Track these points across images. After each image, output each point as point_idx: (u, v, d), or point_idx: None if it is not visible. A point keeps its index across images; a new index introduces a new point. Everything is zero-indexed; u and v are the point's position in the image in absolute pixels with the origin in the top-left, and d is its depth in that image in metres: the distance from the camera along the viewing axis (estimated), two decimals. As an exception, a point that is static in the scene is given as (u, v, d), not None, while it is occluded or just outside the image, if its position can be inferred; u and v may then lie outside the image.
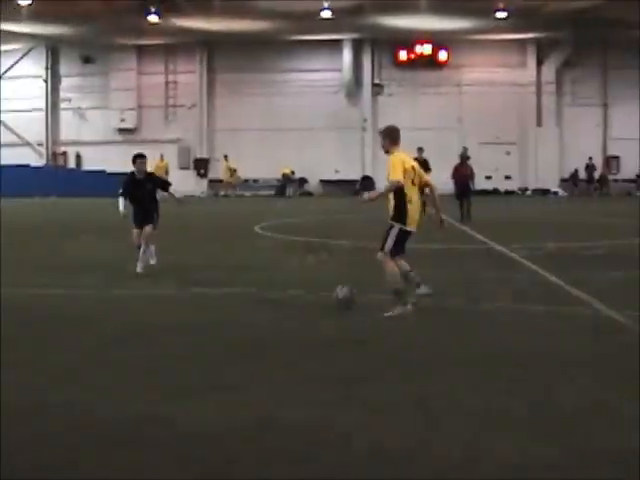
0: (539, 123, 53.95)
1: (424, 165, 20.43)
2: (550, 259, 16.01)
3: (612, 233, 22.50)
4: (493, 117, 52.49)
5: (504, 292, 11.97)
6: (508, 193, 52.34)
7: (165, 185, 15.37)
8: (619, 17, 43.83)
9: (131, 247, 14.73)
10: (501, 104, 52.85)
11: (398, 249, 10.36)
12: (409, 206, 10.31)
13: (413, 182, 10.46)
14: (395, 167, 10.34)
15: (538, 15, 43.66)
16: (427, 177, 11.10)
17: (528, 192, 52.78)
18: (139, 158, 14.57)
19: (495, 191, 51.66)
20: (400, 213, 10.29)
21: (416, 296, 10.62)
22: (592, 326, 9.52)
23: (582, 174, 52.87)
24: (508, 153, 53.45)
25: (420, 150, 28.27)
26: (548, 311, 10.49)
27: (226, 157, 50.67)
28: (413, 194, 10.42)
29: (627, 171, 54.07)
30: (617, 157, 54.13)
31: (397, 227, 10.27)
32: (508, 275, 13.94)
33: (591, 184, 52.50)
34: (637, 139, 52.14)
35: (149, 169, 15.92)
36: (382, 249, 10.30)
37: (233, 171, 49.85)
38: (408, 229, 10.35)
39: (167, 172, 43.02)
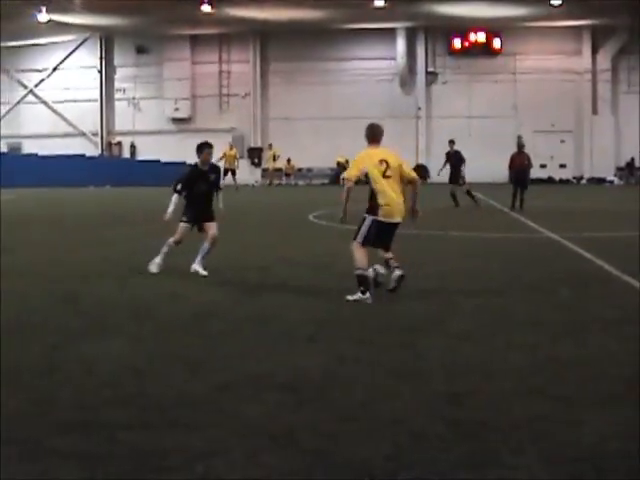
0: (594, 111, 53.51)
1: (419, 170, 20.96)
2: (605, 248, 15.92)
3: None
4: (548, 105, 52.20)
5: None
6: (563, 182, 51.98)
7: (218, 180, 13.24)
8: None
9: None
10: (556, 92, 52.54)
11: (370, 239, 10.65)
12: (380, 199, 10.61)
13: (385, 175, 10.68)
14: (352, 165, 11.06)
15: (593, 2, 43.19)
16: (412, 173, 11.19)
17: (583, 181, 52.38)
18: (207, 147, 12.71)
19: (550, 180, 51.33)
20: (370, 205, 10.71)
21: (394, 281, 10.81)
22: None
23: (638, 162, 52.33)
24: (563, 141, 53.07)
25: (451, 143, 28.46)
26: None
27: (270, 145, 50.85)
28: (386, 187, 10.64)
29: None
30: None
31: (369, 218, 10.64)
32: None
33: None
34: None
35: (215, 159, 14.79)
36: (355, 238, 10.67)
37: (278, 158, 49.93)
38: (382, 220, 10.63)
39: (237, 160, 43.37)
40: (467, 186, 28.87)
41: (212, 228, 12.60)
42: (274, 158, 49.84)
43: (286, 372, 6.92)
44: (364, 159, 10.88)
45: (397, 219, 10.76)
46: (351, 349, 7.80)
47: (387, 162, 10.80)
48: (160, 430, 5.35)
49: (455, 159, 29.29)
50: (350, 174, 10.72)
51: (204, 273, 12.42)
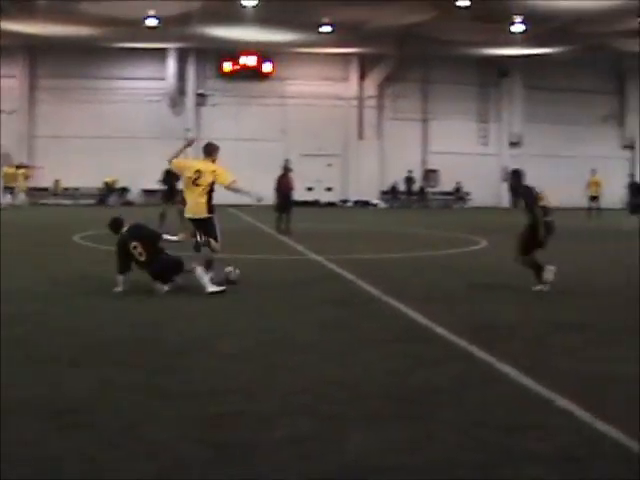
0: (361, 136, 54.90)
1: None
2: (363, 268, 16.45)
3: (418, 243, 23.20)
4: (316, 129, 53.21)
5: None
6: (329, 204, 53.10)
7: None
8: (439, 35, 45.19)
9: None
10: (324, 117, 53.65)
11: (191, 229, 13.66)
12: (188, 199, 13.64)
13: (195, 183, 13.48)
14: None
15: (361, 31, 44.51)
16: (219, 178, 13.56)
17: (349, 204, 53.67)
18: None
19: (316, 202, 52.32)
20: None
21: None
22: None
23: (402, 187, 54.14)
24: (330, 165, 54.23)
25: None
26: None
27: (18, 166, 48.59)
28: (188, 192, 13.63)
29: (445, 184, 55.78)
30: (436, 170, 55.71)
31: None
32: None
33: (411, 196, 53.83)
34: (455, 153, 53.88)
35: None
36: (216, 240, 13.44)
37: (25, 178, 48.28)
38: (187, 216, 13.73)
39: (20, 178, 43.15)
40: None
41: None
42: (22, 177, 47.71)
43: (51, 395, 6.87)
44: (184, 168, 13.89)
45: (192, 215, 13.55)
46: (115, 372, 7.80)
47: (200, 171, 13.47)
48: None
49: (169, 177, 28.16)
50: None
51: None
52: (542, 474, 5.41)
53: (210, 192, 13.48)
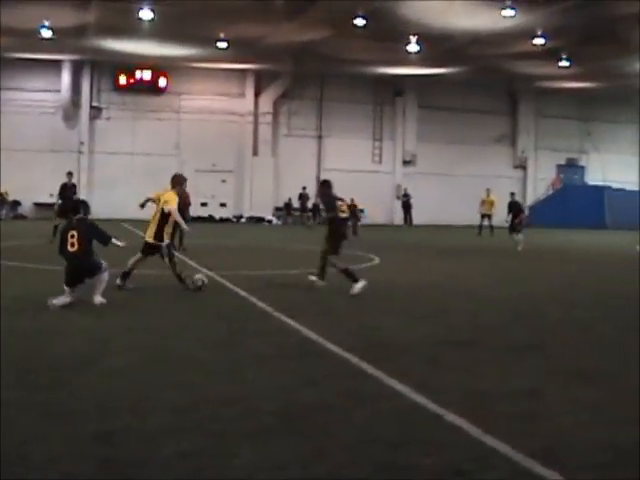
0: (255, 153, 54.93)
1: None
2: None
3: (311, 260, 23.25)
4: (211, 145, 53.12)
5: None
6: (223, 220, 52.96)
7: None
8: (335, 53, 45.55)
9: None
10: (219, 133, 53.60)
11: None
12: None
13: (156, 211, 15.43)
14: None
15: (258, 47, 44.56)
16: (166, 205, 15.32)
17: (243, 220, 53.62)
18: None
19: (211, 218, 52.16)
20: None
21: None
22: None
23: (296, 203, 54.25)
24: (224, 181, 54.11)
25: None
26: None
27: None
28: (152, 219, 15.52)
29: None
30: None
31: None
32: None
33: (304, 213, 53.94)
34: (349, 170, 54.27)
35: None
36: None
37: None
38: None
39: None
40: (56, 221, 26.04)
41: None
42: None
43: None
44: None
45: (147, 239, 15.51)
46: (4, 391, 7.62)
47: (158, 201, 15.32)
48: None
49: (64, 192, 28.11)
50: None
51: None
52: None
53: (162, 220, 15.31)
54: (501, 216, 33.98)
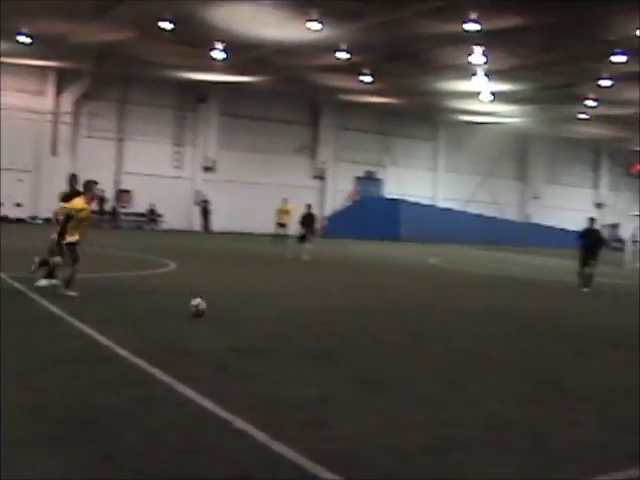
0: (54, 152, 53.58)
1: None
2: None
3: (107, 264, 22.97)
4: (7, 143, 51.39)
5: None
6: (18, 220, 51.47)
7: None
8: (139, 56, 45.03)
9: None
10: (16, 131, 51.93)
11: None
12: None
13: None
14: None
15: (60, 44, 43.48)
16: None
17: (38, 220, 52.24)
18: None
19: (6, 218, 50.60)
20: None
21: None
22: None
23: (94, 206, 53.21)
24: (21, 180, 52.57)
25: None
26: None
27: None
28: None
29: (138, 205, 55.49)
30: (129, 191, 55.29)
31: None
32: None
33: (102, 216, 53.01)
34: (149, 175, 53.77)
35: None
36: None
37: None
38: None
39: None
40: None
41: None
42: None
43: None
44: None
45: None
46: None
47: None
48: None
49: None
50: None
51: None
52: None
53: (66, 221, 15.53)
54: (297, 226, 34.32)
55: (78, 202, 15.78)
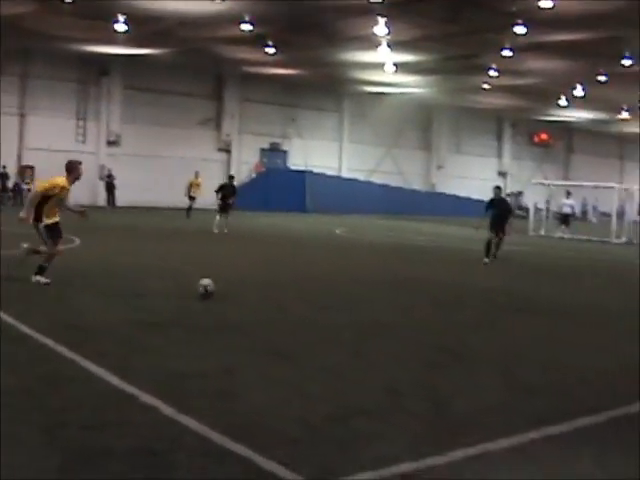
0: None
1: None
2: None
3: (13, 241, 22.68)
4: None
5: None
6: None
7: None
8: (39, 29, 44.22)
9: None
10: None
11: None
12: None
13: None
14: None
15: None
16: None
17: None
18: None
19: None
20: None
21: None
22: None
23: (-4, 183, 52.33)
24: None
25: None
26: None
27: None
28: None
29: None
30: (32, 167, 54.33)
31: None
32: None
33: (5, 193, 52.12)
34: (52, 150, 52.94)
35: None
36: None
37: None
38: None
39: None
40: None
41: None
42: None
43: None
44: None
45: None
46: None
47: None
48: None
49: None
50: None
51: None
52: (121, 470, 5.48)
53: (42, 202, 15.61)
54: (207, 199, 33.92)
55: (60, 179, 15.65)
